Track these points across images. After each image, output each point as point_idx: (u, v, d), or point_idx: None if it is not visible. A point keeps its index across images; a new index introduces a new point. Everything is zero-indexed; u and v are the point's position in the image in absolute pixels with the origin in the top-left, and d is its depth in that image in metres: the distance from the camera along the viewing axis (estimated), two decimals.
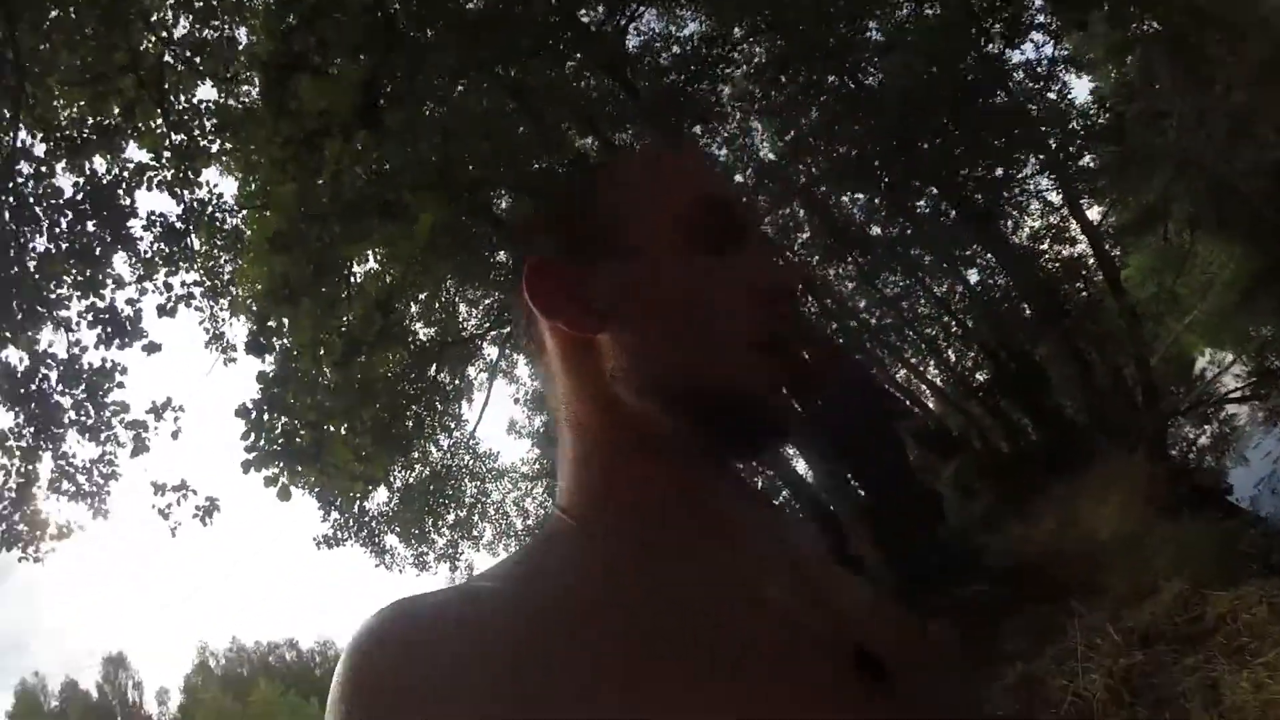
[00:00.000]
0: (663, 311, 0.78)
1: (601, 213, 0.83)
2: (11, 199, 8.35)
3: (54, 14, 8.40)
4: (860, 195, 15.09)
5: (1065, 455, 10.96)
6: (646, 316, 0.78)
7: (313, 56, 8.26)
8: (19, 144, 8.46)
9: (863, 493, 10.45)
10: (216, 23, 9.58)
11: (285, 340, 9.41)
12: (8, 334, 8.49)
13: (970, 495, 11.23)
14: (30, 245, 8.77)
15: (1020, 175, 13.49)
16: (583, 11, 12.25)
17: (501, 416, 53.49)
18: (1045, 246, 13.74)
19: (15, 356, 8.96)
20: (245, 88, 9.82)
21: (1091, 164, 13.40)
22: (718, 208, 0.81)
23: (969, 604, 8.14)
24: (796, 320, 0.82)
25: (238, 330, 11.34)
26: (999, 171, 13.45)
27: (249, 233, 9.96)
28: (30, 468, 9.35)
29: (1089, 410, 11.44)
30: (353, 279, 9.95)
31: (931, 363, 15.74)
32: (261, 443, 9.05)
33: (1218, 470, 10.98)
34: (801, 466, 11.63)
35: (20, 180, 8.55)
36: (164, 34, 9.44)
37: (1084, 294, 12.98)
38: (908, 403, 14.59)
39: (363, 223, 8.73)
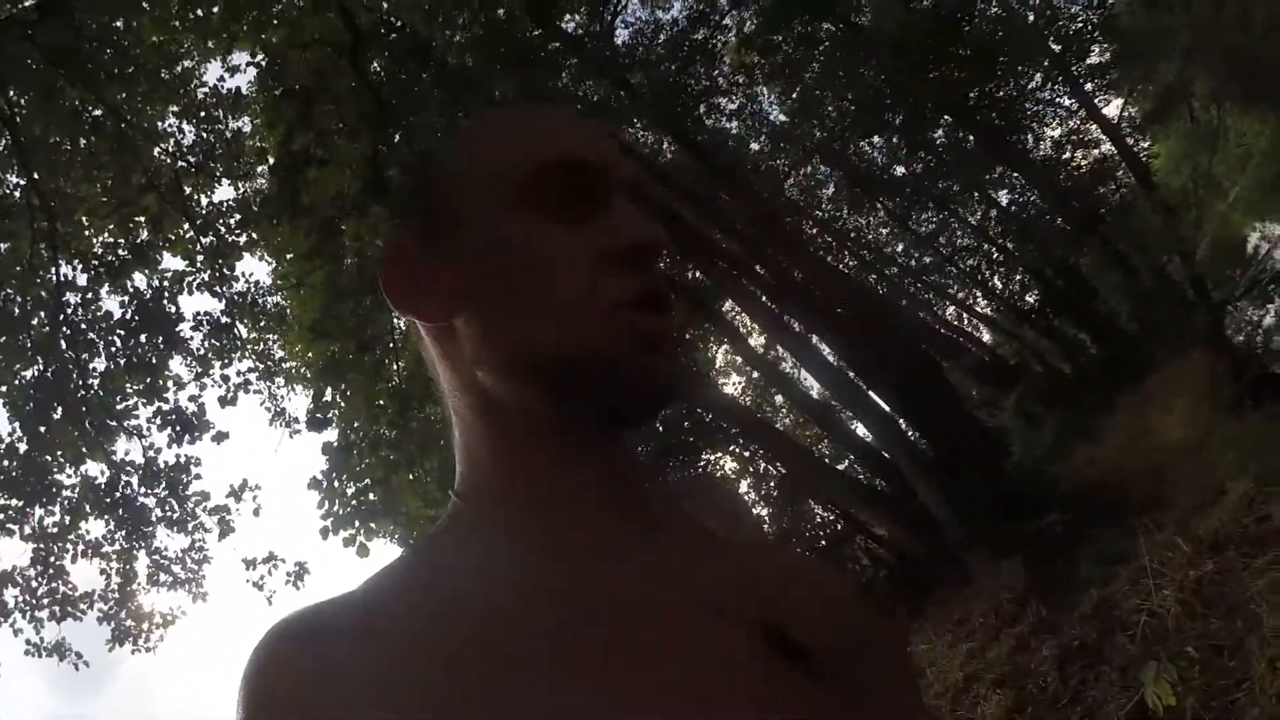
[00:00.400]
0: (508, 286, 0.74)
1: (443, 188, 0.80)
2: (66, 329, 8.87)
3: (67, 148, 8.84)
4: (877, 139, 14.89)
5: (1124, 366, 10.73)
6: (493, 293, 0.74)
7: (315, 150, 8.59)
8: (62, 278, 8.97)
9: (922, 443, 10.46)
10: (220, 125, 9.98)
11: (341, 409, 9.82)
12: (84, 450, 9.03)
13: (1036, 422, 11.03)
14: (91, 367, 9.30)
15: (1029, 86, 13.15)
16: (566, 18, 12.31)
17: None
18: (1069, 154, 13.37)
19: (96, 469, 9.57)
20: (260, 181, 10.21)
21: (1101, 59, 13.01)
22: (566, 170, 0.75)
23: (1041, 536, 8.05)
24: (659, 280, 0.75)
25: (299, 402, 11.82)
26: (1009, 86, 13.13)
27: (290, 311, 10.39)
28: (128, 567, 9.96)
29: (1139, 316, 11.15)
30: (394, 339, 10.27)
31: (978, 294, 15.46)
32: (336, 508, 9.47)
33: None
34: (861, 430, 11.58)
35: (70, 310, 9.06)
36: (174, 146, 9.87)
37: (1116, 195, 12.61)
38: (960, 340, 14.32)
39: None
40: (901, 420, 10.83)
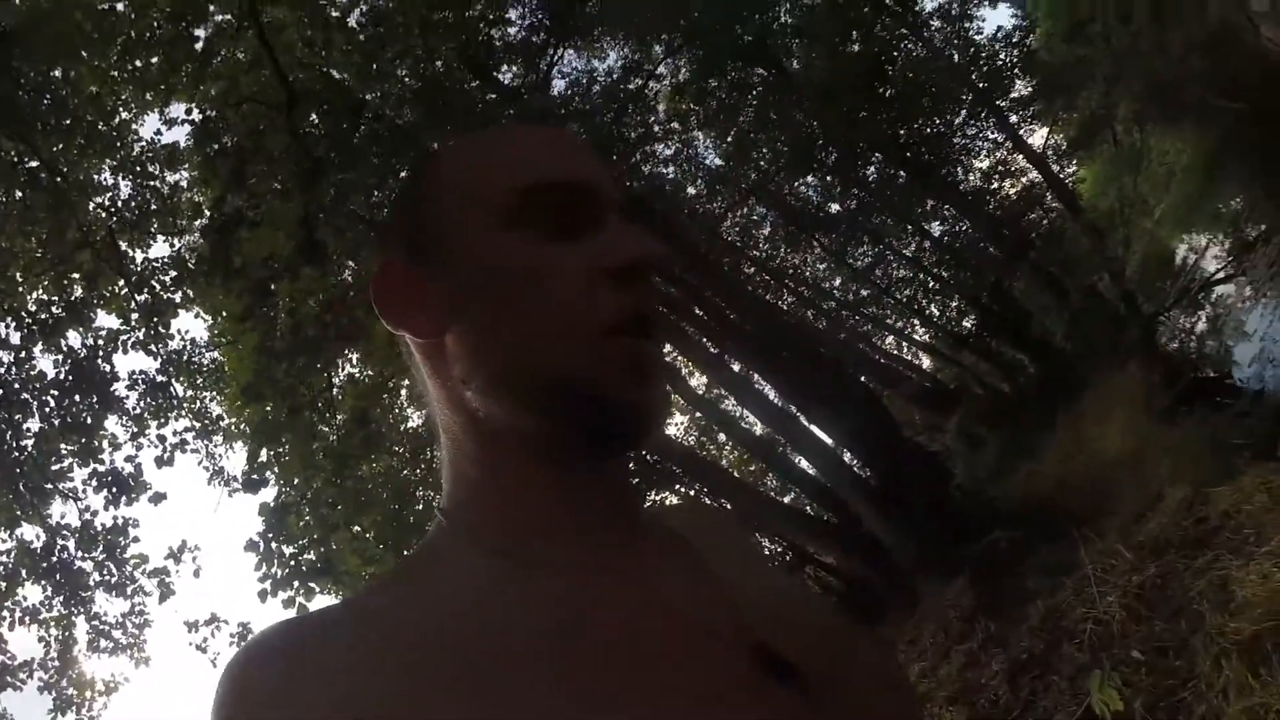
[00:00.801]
0: (497, 305, 0.73)
1: (433, 206, 0.79)
2: None
3: (1, 202, 8.65)
4: (811, 179, 15.12)
5: (1062, 384, 10.87)
6: (482, 312, 0.74)
7: (247, 210, 8.46)
8: None
9: (866, 473, 10.47)
10: (155, 181, 9.83)
11: (277, 470, 9.58)
12: (19, 513, 8.73)
13: (977, 444, 11.10)
14: (25, 427, 9.04)
15: (955, 121, 13.49)
16: (504, 69, 12.36)
17: None
18: (996, 184, 13.70)
19: (32, 533, 9.29)
20: (195, 237, 10.04)
21: (1024, 92, 13.41)
22: (556, 190, 0.75)
23: (987, 554, 8.03)
24: (650, 301, 0.75)
25: (237, 460, 11.57)
26: (936, 123, 13.45)
27: (226, 369, 10.18)
28: (67, 634, 9.61)
29: (1073, 334, 11.32)
30: (333, 393, 10.08)
31: (916, 323, 15.66)
32: (275, 569, 9.19)
33: (1221, 354, 10.73)
34: (804, 463, 11.58)
35: (2, 370, 8.80)
36: (109, 201, 9.70)
37: (1045, 221, 12.91)
38: (900, 368, 14.45)
39: (326, 352, 8.92)
40: (844, 451, 10.90)
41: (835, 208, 15.40)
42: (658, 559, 0.75)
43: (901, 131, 13.26)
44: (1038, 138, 13.88)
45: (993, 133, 13.77)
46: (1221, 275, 11.49)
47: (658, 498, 14.00)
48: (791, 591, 0.87)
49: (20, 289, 9.60)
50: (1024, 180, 13.96)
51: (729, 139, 14.57)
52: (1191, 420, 7.74)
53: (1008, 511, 8.72)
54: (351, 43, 8.93)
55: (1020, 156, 13.39)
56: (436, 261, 0.77)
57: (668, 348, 12.82)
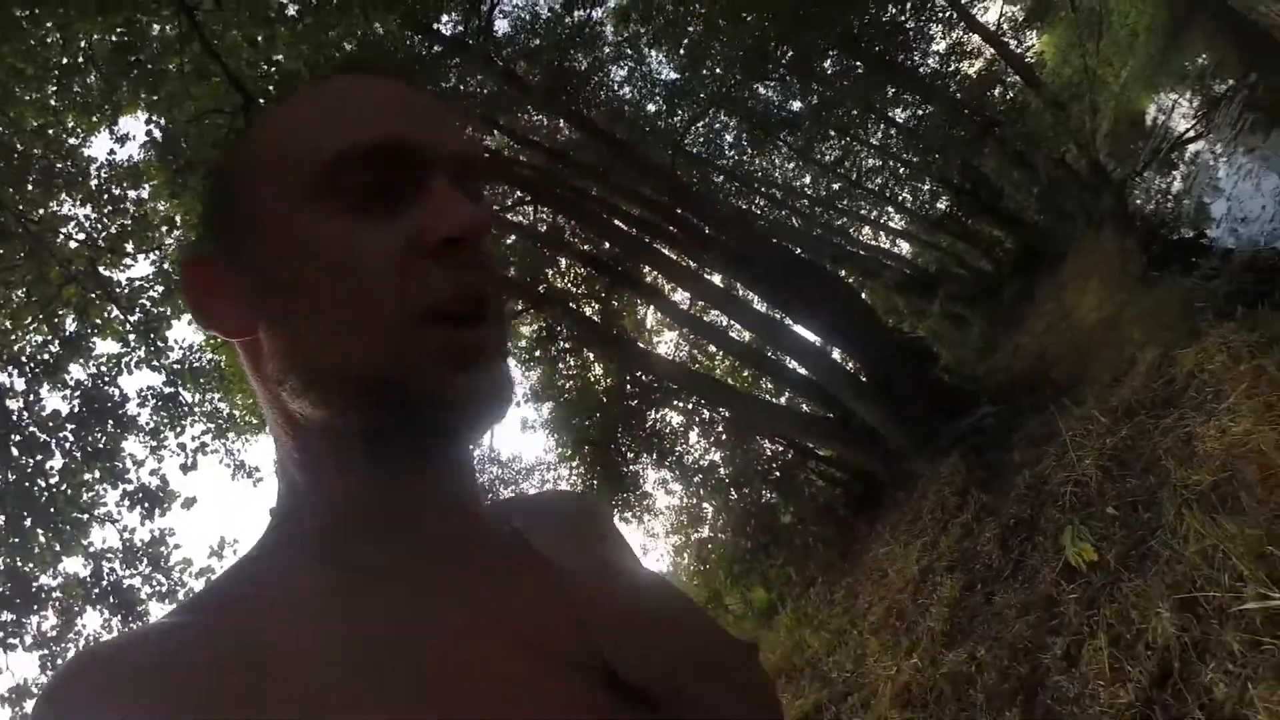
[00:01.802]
0: (305, 292, 0.67)
1: (238, 185, 0.72)
2: (15, 435, 8.94)
3: None
4: (770, 80, 15.11)
5: (1040, 257, 11.16)
6: (287, 304, 0.68)
7: None
8: None
9: (853, 366, 10.89)
10: (123, 202, 10.00)
11: None
12: (60, 549, 9.13)
13: (961, 324, 11.48)
14: (49, 466, 9.35)
15: (907, 6, 13.48)
16: (445, 19, 12.29)
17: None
18: (955, 66, 13.77)
19: (77, 564, 9.67)
20: (173, 247, 10.24)
21: None
22: (371, 155, 0.67)
23: (976, 431, 8.48)
24: (481, 276, 0.68)
25: (257, 450, 11.87)
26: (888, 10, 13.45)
27: (224, 365, 10.53)
28: None
29: (1045, 207, 11.59)
30: None
31: (891, 211, 15.85)
32: None
33: (1196, 213, 10.93)
34: (795, 365, 11.98)
35: (14, 417, 9.11)
36: (81, 231, 9.89)
37: (1007, 97, 13.06)
38: (880, 258, 14.73)
39: None
40: (832, 348, 11.30)
41: (797, 105, 15.43)
42: (498, 569, 0.72)
43: (854, 22, 13.26)
44: (991, 14, 13.91)
45: (946, 14, 13.77)
46: (1191, 134, 11.62)
47: (657, 415, 14.50)
48: (653, 595, 0.83)
49: (14, 337, 9.74)
50: (982, 59, 14.03)
51: (681, 51, 14.52)
52: (1164, 283, 8.06)
53: (993, 387, 9.15)
54: (294, 32, 8.99)
55: (976, 36, 13.45)
56: (241, 248, 0.70)
57: (646, 270, 13.09)
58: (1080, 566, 5.66)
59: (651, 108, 15.51)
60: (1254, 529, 4.34)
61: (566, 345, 14.02)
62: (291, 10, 9.06)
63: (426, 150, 0.68)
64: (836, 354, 11.24)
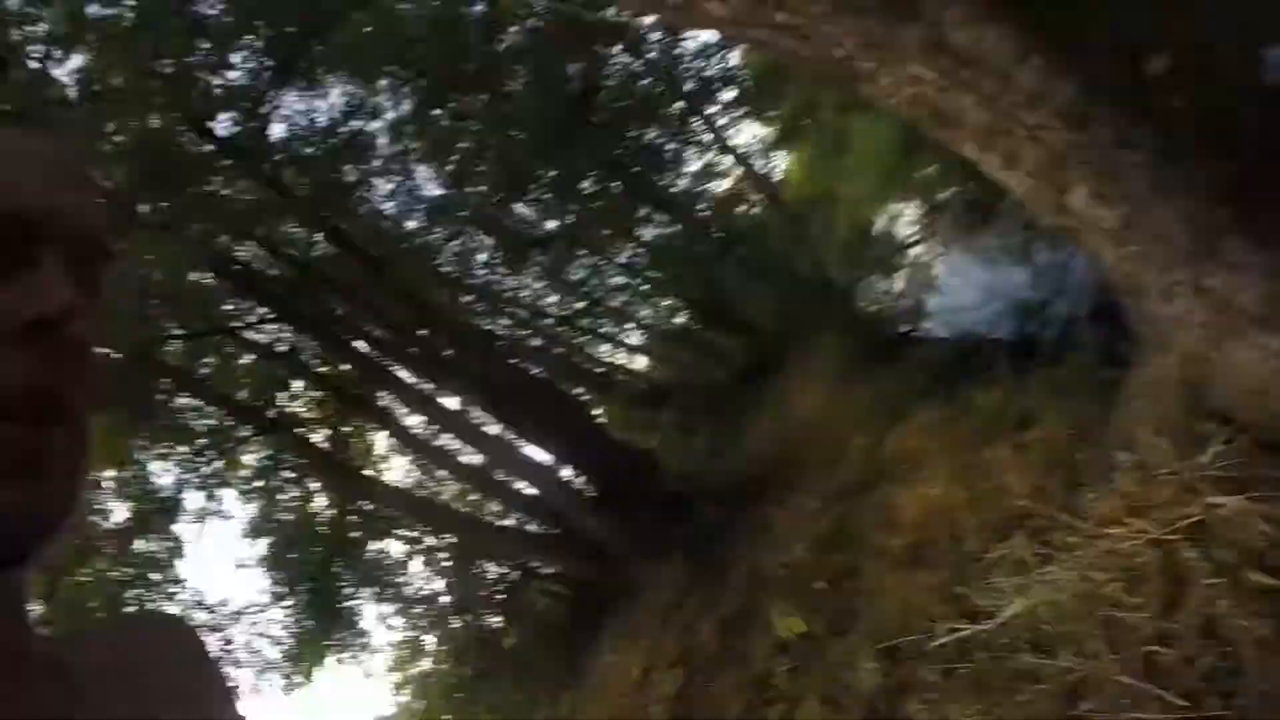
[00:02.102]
0: None
1: None
2: None
3: None
4: (530, 200, 15.79)
5: (771, 362, 12.06)
6: None
7: None
8: None
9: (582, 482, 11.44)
10: None
11: None
12: None
13: (690, 431, 12.23)
14: None
15: (664, 132, 14.63)
16: (220, 117, 11.98)
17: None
18: (705, 186, 15.12)
19: None
20: None
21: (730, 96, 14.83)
22: None
23: (698, 530, 9.01)
24: (66, 369, 0.65)
25: None
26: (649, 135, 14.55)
27: None
28: None
29: (779, 316, 12.67)
30: None
31: (631, 327, 16.81)
32: None
33: (915, 309, 12.22)
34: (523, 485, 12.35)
35: None
36: None
37: (751, 214, 14.39)
38: (617, 374, 15.53)
39: None
40: (562, 466, 11.81)
41: (552, 225, 16.18)
42: (10, 693, 0.67)
43: (620, 144, 14.29)
44: (744, 136, 15.44)
45: (701, 138, 15.19)
46: (916, 238, 13.14)
47: (380, 545, 14.33)
48: None
49: None
50: (731, 178, 15.61)
51: (448, 168, 14.94)
52: (878, 376, 9.02)
53: (717, 490, 9.75)
54: (73, 117, 8.71)
55: (729, 157, 14.90)
56: None
57: (381, 393, 13.10)
58: (790, 639, 6.20)
59: (411, 224, 15.74)
60: (942, 575, 5.01)
61: (291, 474, 13.67)
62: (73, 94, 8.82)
63: (43, 222, 0.66)
64: (566, 471, 11.73)
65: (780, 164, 16.22)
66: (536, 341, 16.95)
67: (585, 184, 15.02)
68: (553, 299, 17.73)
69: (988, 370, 6.90)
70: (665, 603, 8.51)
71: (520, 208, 16.05)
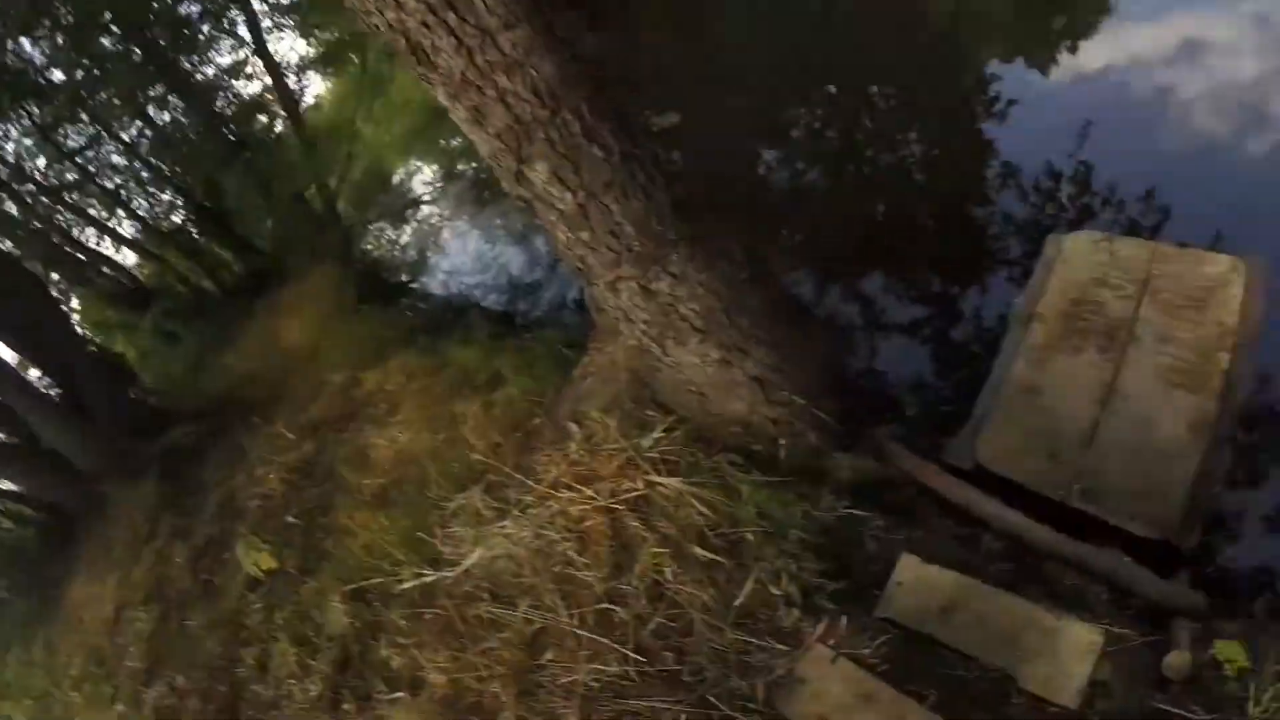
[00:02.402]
0: None
1: None
2: None
3: None
4: (39, 37, 12.91)
5: (265, 283, 11.28)
6: None
7: None
8: None
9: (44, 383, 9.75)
10: None
11: None
12: None
13: (174, 341, 11.08)
14: None
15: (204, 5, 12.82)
16: None
17: None
18: (231, 82, 13.50)
19: None
20: None
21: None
22: None
23: (173, 451, 8.19)
24: None
25: None
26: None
27: None
28: None
29: (278, 236, 11.89)
30: None
31: (122, 214, 14.58)
32: None
33: (416, 263, 12.05)
34: None
35: None
36: None
37: (270, 126, 13.23)
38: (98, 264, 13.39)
39: None
40: (27, 364, 9.91)
41: (59, 76, 13.38)
42: None
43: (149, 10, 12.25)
44: (285, 47, 14.03)
45: (240, 31, 13.48)
46: (428, 198, 12.95)
47: None
48: None
49: None
50: (261, 84, 14.08)
51: None
52: (366, 317, 8.75)
53: (197, 408, 8.94)
54: None
55: (261, 61, 13.40)
56: None
57: None
58: (260, 576, 5.80)
59: None
60: (407, 520, 4.93)
61: None
62: None
63: None
64: (31, 371, 9.83)
65: (313, 87, 15.02)
66: (10, 207, 14.02)
67: (106, 40, 12.77)
68: (40, 162, 14.75)
69: (469, 331, 7.01)
70: (136, 529, 7.67)
71: (26, 44, 13.17)
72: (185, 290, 12.24)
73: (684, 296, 3.80)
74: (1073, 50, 7.14)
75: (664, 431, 3.99)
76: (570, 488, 4.00)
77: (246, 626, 5.63)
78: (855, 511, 4.00)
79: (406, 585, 4.52)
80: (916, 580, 3.68)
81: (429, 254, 11.99)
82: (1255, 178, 5.31)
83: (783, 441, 4.13)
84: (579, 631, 3.68)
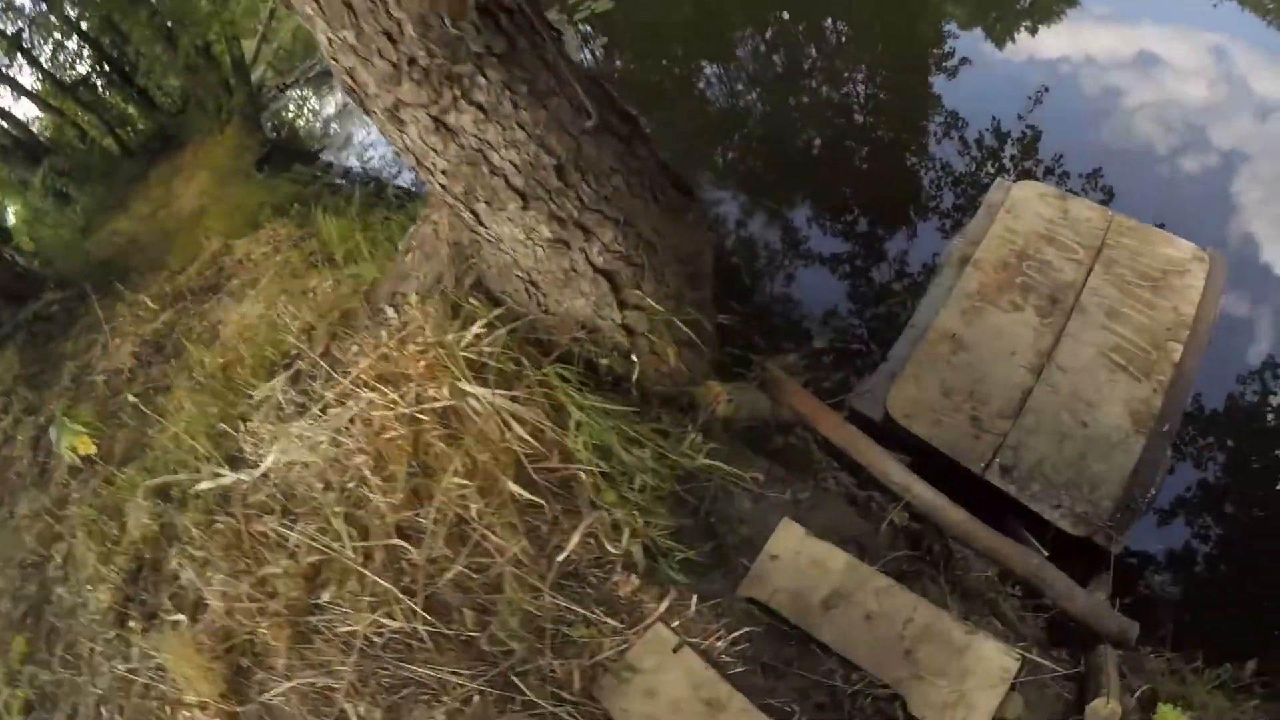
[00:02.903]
0: None
1: None
2: None
3: None
4: None
5: (168, 141, 10.03)
6: None
7: None
8: None
9: None
10: None
11: None
12: None
13: (66, 200, 9.81)
14: None
15: None
16: None
17: None
18: None
19: None
20: None
21: None
22: None
23: (40, 319, 7.14)
24: None
25: None
26: None
27: None
28: None
29: (183, 94, 10.51)
30: None
31: (22, 60, 12.95)
32: None
33: (336, 135, 10.88)
34: None
35: None
36: None
37: None
38: None
39: None
40: None
41: None
42: None
43: None
44: None
45: None
46: None
47: None
48: None
49: None
50: None
51: None
52: (259, 183, 7.67)
53: (72, 272, 7.83)
54: None
55: None
56: None
57: None
58: (76, 462, 4.87)
59: None
60: (215, 409, 4.02)
61: None
62: None
63: None
64: None
65: None
66: None
67: None
68: None
69: (344, 201, 6.01)
70: None
71: None
72: (83, 148, 10.86)
73: (496, 141, 2.59)
74: (1032, 32, 6.72)
75: (485, 328, 3.00)
76: (373, 387, 3.08)
77: (65, 518, 4.74)
78: (723, 464, 3.05)
79: (204, 486, 3.62)
80: (796, 556, 2.81)
81: (348, 126, 10.86)
82: (1189, 192, 5.04)
83: (635, 358, 3.16)
84: (364, 571, 2.82)
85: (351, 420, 3.08)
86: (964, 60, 6.60)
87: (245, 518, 3.36)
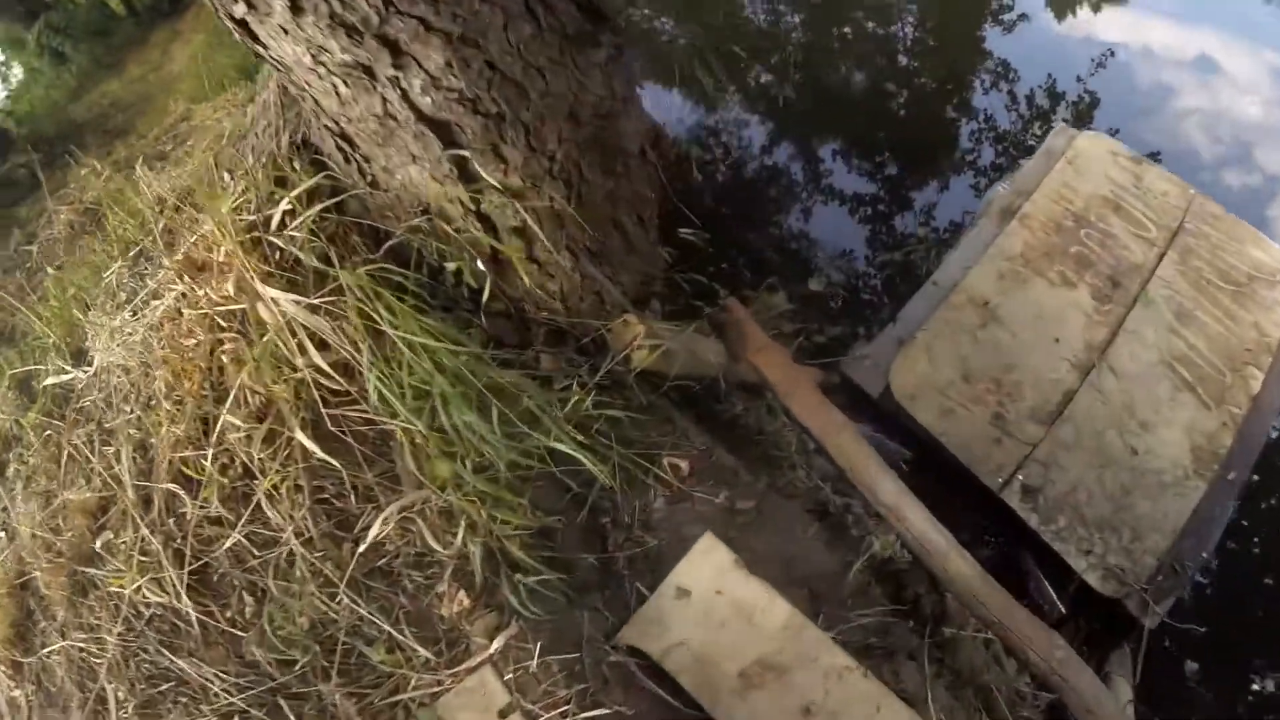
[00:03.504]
0: None
1: None
2: None
3: None
4: None
5: (178, 3, 8.99)
6: None
7: None
8: None
9: None
10: None
11: None
12: None
13: (62, 60, 8.88)
14: None
15: None
16: None
17: None
18: None
19: None
20: None
21: None
22: None
23: (8, 180, 6.35)
24: None
25: None
26: None
27: None
28: None
29: None
30: None
31: None
32: None
33: None
34: None
35: None
36: None
37: None
38: None
39: None
40: None
41: None
42: None
43: None
44: None
45: None
46: None
47: None
48: None
49: None
50: None
51: None
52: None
53: (50, 134, 6.99)
54: None
55: None
56: None
57: None
58: None
59: None
60: (75, 289, 3.21)
61: None
62: None
63: None
64: None
65: None
66: None
67: None
68: None
69: None
70: None
71: None
72: (84, 5, 9.86)
73: None
74: (1095, 9, 5.68)
75: (298, 203, 2.05)
76: (186, 278, 2.21)
77: None
78: (630, 436, 2.00)
79: (49, 382, 2.85)
80: (714, 598, 1.77)
81: None
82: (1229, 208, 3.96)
83: (481, 265, 2.08)
84: (139, 519, 1.99)
85: (162, 318, 2.23)
86: (1023, 16, 5.56)
87: (71, 425, 2.58)
